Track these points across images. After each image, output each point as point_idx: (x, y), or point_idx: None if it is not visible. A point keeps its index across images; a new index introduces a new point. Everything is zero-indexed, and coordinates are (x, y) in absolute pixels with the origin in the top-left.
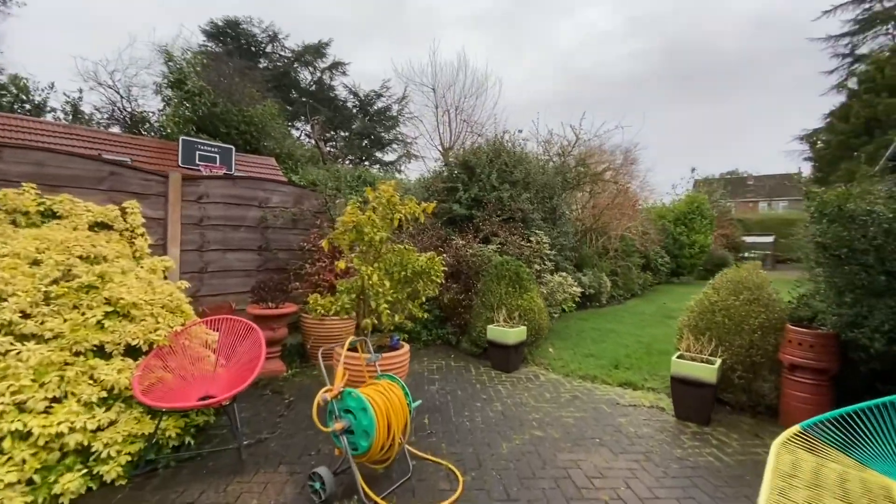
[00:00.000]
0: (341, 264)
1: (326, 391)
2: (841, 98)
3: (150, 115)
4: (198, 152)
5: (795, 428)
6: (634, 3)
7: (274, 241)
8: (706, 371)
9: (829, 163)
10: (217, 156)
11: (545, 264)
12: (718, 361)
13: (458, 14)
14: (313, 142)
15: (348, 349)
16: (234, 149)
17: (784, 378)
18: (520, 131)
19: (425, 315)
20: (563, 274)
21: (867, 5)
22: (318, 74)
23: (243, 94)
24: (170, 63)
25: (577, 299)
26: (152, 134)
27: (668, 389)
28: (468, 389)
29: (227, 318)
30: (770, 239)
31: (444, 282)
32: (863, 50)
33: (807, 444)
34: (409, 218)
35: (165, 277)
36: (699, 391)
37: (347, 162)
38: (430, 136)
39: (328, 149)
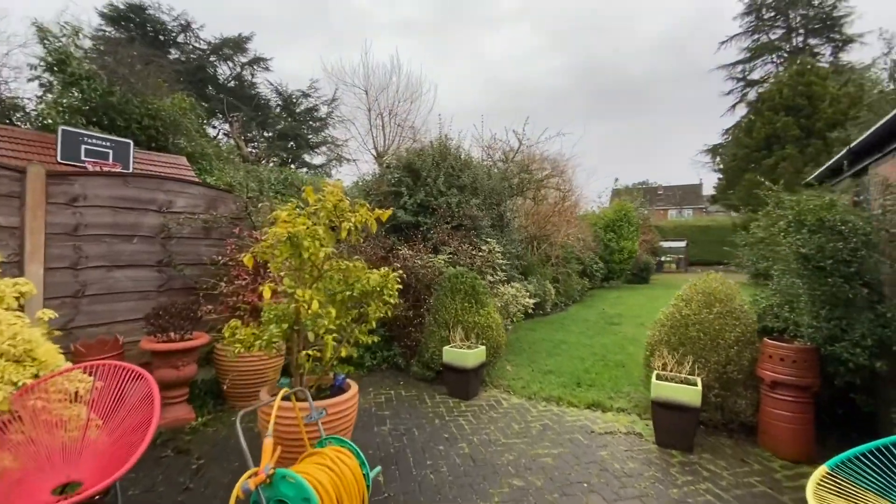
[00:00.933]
0: (266, 292)
1: (250, 476)
2: (737, 117)
3: (26, 101)
4: (83, 146)
5: (822, 469)
6: (555, 21)
7: (179, 255)
8: (690, 394)
9: (735, 174)
10: (110, 151)
11: (497, 275)
12: (699, 382)
13: (389, 19)
14: (232, 141)
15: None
16: (132, 143)
17: (763, 395)
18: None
19: (373, 340)
20: (517, 285)
21: (756, 37)
22: (238, 70)
23: (147, 84)
24: (45, 41)
25: (529, 311)
26: (27, 125)
27: (638, 409)
28: (426, 427)
29: (104, 363)
30: (683, 244)
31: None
32: (754, 76)
33: (838, 488)
34: (360, 228)
35: (21, 307)
36: (682, 415)
37: (271, 164)
38: (363, 139)
39: (250, 149)
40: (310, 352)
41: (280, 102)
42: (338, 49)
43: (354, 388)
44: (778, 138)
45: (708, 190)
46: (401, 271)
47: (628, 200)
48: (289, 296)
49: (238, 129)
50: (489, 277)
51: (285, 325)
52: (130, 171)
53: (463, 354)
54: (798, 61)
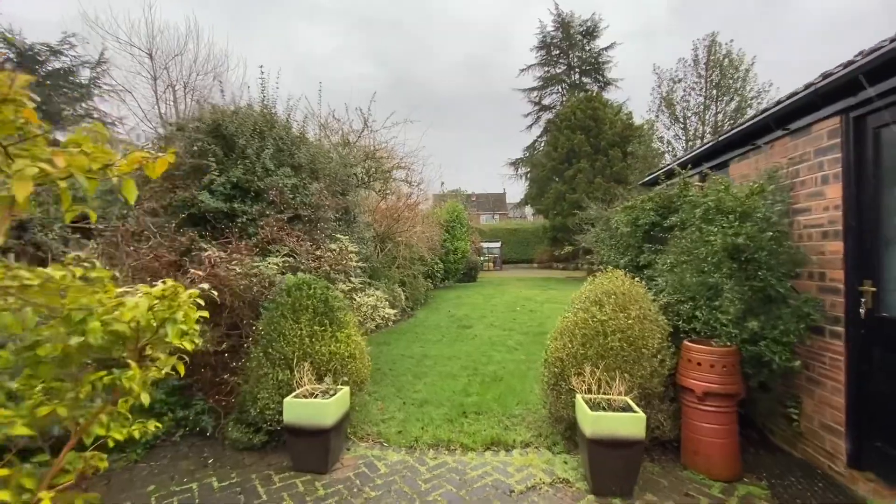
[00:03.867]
0: None
1: None
2: (534, 136)
3: None
4: None
5: None
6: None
7: None
8: (634, 423)
9: (544, 183)
10: None
11: (351, 281)
12: (635, 405)
13: None
14: None
15: None
16: None
17: (688, 408)
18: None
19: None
20: (377, 293)
21: (547, 69)
22: None
23: None
24: None
25: (390, 322)
26: None
27: (543, 438)
28: None
29: None
30: (498, 244)
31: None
32: (546, 101)
33: None
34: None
35: None
36: (626, 452)
37: None
38: (146, 114)
39: None
40: None
41: (13, 58)
42: None
43: None
44: (575, 153)
45: (511, 198)
46: (206, 285)
47: (458, 203)
48: None
49: None
50: (341, 286)
51: None
52: None
53: (319, 408)
54: (584, 92)
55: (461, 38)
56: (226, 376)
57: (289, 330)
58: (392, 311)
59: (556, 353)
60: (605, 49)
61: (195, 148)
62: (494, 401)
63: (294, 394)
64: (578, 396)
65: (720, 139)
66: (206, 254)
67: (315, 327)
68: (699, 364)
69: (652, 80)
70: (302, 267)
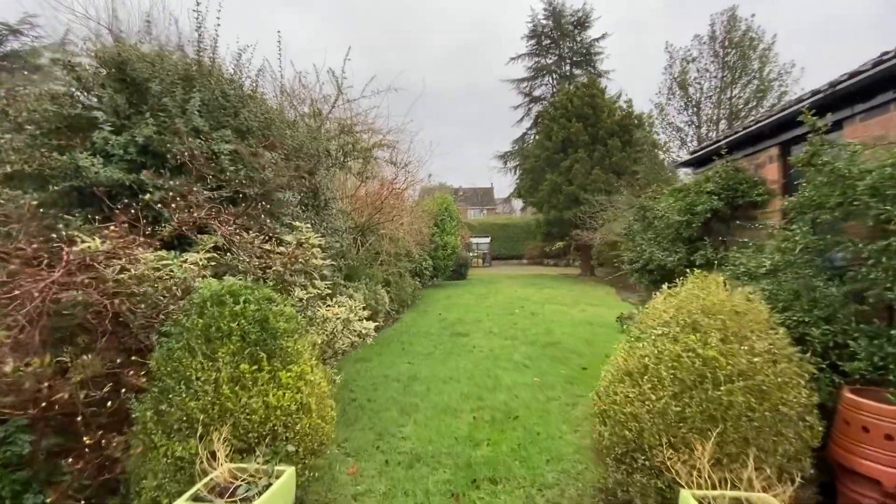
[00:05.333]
0: None
1: None
2: (526, 126)
3: None
4: None
5: None
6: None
7: None
8: None
9: (538, 174)
10: None
11: (315, 286)
12: None
13: None
14: None
15: None
16: None
17: (847, 492)
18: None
19: None
20: (351, 302)
21: (537, 59)
22: None
23: None
24: None
25: (368, 339)
26: None
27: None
28: None
29: None
30: (487, 240)
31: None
32: (537, 92)
33: None
34: None
35: None
36: None
37: None
38: None
39: None
40: None
41: None
42: None
43: None
44: (571, 142)
45: (500, 192)
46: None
47: (447, 195)
48: None
49: None
50: (300, 293)
51: None
52: None
53: None
54: (574, 83)
55: (445, 30)
56: (88, 446)
57: (197, 372)
58: (370, 326)
59: (626, 404)
60: (597, 40)
61: (82, 94)
62: (513, 455)
63: (193, 490)
64: (685, 493)
65: (837, 87)
66: (83, 245)
67: (243, 366)
68: (889, 438)
69: (663, 60)
70: (241, 267)
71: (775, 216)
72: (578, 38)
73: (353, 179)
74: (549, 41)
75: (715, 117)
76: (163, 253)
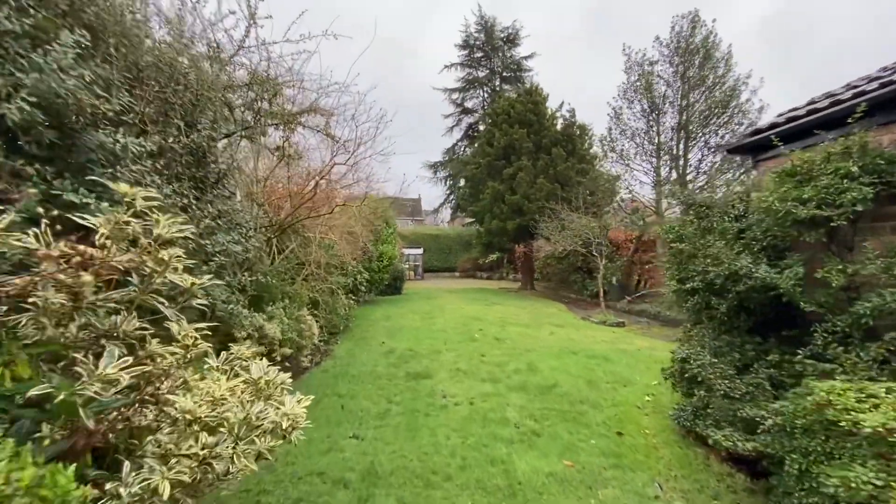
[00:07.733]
0: None
1: None
2: (457, 137)
3: None
4: None
5: None
6: None
7: None
8: None
9: (479, 182)
10: None
11: (162, 340)
12: None
13: None
14: None
15: None
16: None
17: None
18: None
19: None
20: (257, 361)
21: (469, 71)
22: None
23: None
24: None
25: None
26: None
27: None
28: None
29: None
30: (420, 251)
31: None
32: (468, 104)
33: None
34: None
35: None
36: None
37: None
38: None
39: None
40: None
41: None
42: None
43: None
44: (514, 149)
45: (428, 204)
46: None
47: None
48: None
49: None
50: (107, 370)
51: None
52: None
53: None
54: (521, 91)
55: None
56: None
57: None
58: (298, 410)
59: None
60: (526, 58)
61: None
62: None
63: None
64: None
65: None
66: None
67: None
68: None
69: (620, 62)
70: None
71: None
72: (509, 55)
73: (269, 159)
74: (481, 54)
75: (678, 124)
76: None
